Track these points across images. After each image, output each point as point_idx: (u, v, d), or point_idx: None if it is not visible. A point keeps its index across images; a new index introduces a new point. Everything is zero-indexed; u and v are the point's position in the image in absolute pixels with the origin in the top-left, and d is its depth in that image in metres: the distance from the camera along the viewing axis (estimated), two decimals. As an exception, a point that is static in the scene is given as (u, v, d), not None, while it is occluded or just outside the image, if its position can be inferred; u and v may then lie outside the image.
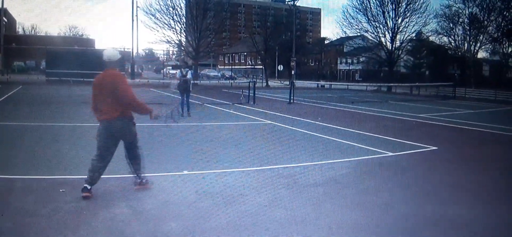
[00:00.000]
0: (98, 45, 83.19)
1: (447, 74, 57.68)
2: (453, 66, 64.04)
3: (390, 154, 11.84)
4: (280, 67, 79.30)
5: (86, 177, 7.03)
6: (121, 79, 7.44)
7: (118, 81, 7.31)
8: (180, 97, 19.74)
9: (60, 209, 6.47)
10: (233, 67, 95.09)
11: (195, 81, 21.33)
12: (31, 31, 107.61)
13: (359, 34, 64.56)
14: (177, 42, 64.24)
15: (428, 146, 13.14)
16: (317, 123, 18.44)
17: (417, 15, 57.87)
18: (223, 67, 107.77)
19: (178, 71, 21.38)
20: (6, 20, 67.86)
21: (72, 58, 46.13)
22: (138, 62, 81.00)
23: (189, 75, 20.43)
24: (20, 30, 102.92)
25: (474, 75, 57.99)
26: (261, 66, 78.48)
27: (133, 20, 63.05)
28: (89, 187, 6.94)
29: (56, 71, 44.25)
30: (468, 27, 59.30)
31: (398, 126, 19.21)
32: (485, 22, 58.95)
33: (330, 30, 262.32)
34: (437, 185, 8.96)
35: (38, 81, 45.28)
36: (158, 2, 61.39)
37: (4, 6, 59.79)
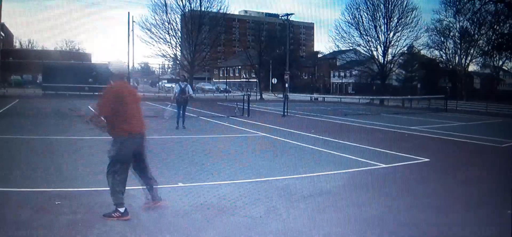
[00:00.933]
0: (94, 60, 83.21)
1: (438, 87, 58.19)
2: (445, 79, 64.56)
3: (383, 165, 11.92)
4: (274, 81, 79.44)
5: (114, 201, 6.73)
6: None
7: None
8: (176, 110, 19.95)
9: (55, 221, 6.49)
10: (227, 80, 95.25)
11: (191, 95, 21.50)
12: (28, 46, 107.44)
13: (351, 48, 65.19)
14: (172, 56, 64.72)
15: (420, 158, 13.23)
16: (310, 135, 18.54)
17: (408, 29, 58.70)
18: (218, 80, 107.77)
19: (176, 85, 21.59)
20: (3, 34, 67.87)
21: (69, 72, 46.30)
22: (134, 76, 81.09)
23: (189, 90, 20.69)
24: (17, 45, 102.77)
25: (465, 88, 58.55)
26: (255, 80, 78.67)
27: (129, 34, 63.24)
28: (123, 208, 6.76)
29: (53, 85, 44.52)
30: (459, 41, 60.03)
31: (391, 138, 19.35)
32: (476, 36, 59.72)
33: (323, 44, 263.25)
34: (429, 195, 9.06)
35: (35, 95, 45.27)
36: (154, 17, 61.82)
37: (2, 21, 59.82)
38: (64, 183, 8.72)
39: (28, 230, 6.15)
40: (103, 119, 6.93)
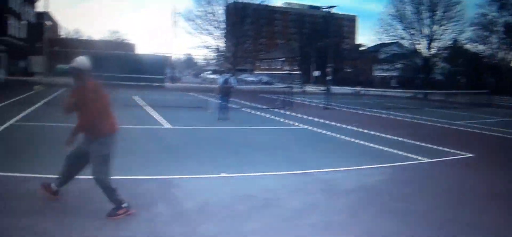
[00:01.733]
0: (138, 50, 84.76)
1: (482, 81, 57.07)
2: (489, 74, 63.34)
3: (426, 160, 11.82)
4: (316, 73, 79.38)
5: (115, 202, 6.54)
6: None
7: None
8: (220, 101, 20.17)
9: (100, 209, 6.54)
10: (270, 72, 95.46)
11: (234, 86, 21.71)
12: (74, 35, 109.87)
13: (395, 41, 64.47)
14: (215, 47, 65.22)
15: (464, 153, 13.05)
16: (352, 128, 18.47)
17: (453, 23, 57.86)
18: (260, 72, 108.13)
19: (219, 76, 21.77)
20: (50, 23, 69.40)
21: (113, 62, 47.00)
22: (177, 67, 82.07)
23: (232, 81, 20.89)
24: (63, 34, 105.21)
25: (510, 83, 57.32)
26: (297, 72, 78.73)
27: (173, 26, 64.15)
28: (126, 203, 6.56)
29: (98, 74, 45.20)
30: (503, 36, 58.73)
31: (433, 132, 19.10)
32: (520, 30, 58.45)
33: (366, 37, 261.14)
34: (473, 192, 8.88)
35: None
36: (198, 8, 62.38)
37: (48, 10, 61.26)
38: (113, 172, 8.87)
39: (74, 216, 6.32)
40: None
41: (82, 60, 7.00)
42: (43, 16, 60.90)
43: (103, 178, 6.53)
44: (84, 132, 6.72)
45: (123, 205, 6.45)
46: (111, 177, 6.62)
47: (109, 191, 6.54)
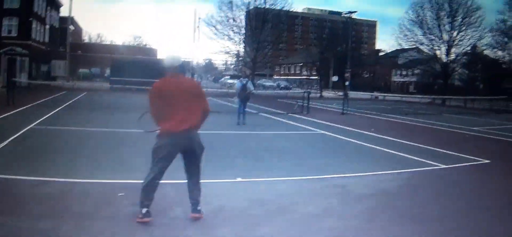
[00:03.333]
0: (160, 55, 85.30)
1: (501, 88, 56.64)
2: (508, 81, 62.79)
3: (443, 166, 11.77)
4: (335, 78, 79.22)
5: (143, 201, 6.42)
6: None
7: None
8: (237, 106, 20.33)
9: (118, 213, 6.69)
10: (288, 77, 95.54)
11: (251, 91, 21.85)
12: (97, 40, 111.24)
13: (414, 46, 64.31)
14: (235, 52, 65.67)
15: (481, 159, 12.97)
16: (369, 133, 18.47)
17: (472, 29, 57.65)
18: (278, 77, 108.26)
19: (238, 81, 21.94)
20: (73, 28, 70.20)
21: (136, 67, 47.49)
22: (198, 71, 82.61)
23: (250, 86, 21.06)
24: (86, 38, 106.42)
25: (529, 90, 56.87)
26: (316, 77, 78.69)
27: (194, 31, 64.81)
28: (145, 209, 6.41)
29: (120, 79, 45.75)
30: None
31: (451, 138, 19.02)
32: (540, 37, 57.91)
33: (385, 42, 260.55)
34: (490, 199, 8.79)
35: (102, 89, 46.71)
36: (220, 14, 62.86)
37: (71, 15, 61.94)
38: (128, 175, 8.96)
39: (91, 220, 6.34)
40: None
41: (166, 57, 6.84)
42: (67, 20, 61.51)
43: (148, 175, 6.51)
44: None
45: (142, 211, 6.36)
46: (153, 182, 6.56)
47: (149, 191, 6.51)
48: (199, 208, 6.64)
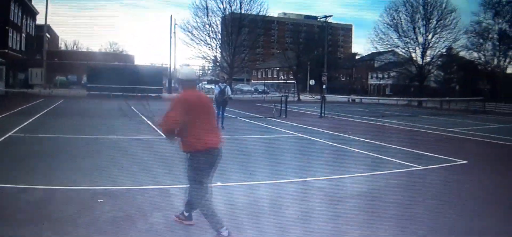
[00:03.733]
0: (137, 61, 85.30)
1: (477, 89, 57.41)
2: (483, 81, 63.66)
3: (420, 167, 11.88)
4: (312, 82, 79.55)
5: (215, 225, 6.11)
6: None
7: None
8: (216, 111, 20.27)
9: (98, 219, 6.69)
10: (265, 81, 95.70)
11: (230, 96, 21.89)
12: (73, 47, 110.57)
13: (390, 49, 64.85)
14: (212, 58, 65.70)
15: (458, 160, 13.13)
16: (347, 136, 18.59)
17: (447, 31, 58.42)
18: (256, 81, 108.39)
19: (216, 86, 21.94)
20: (49, 36, 69.85)
21: (112, 73, 47.58)
22: (175, 77, 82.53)
23: (228, 91, 21.10)
24: (62, 46, 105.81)
25: (504, 90, 57.63)
26: (293, 81, 78.94)
27: (171, 36, 64.69)
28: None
29: (97, 85, 45.81)
30: (497, 43, 59.09)
31: (428, 139, 19.18)
32: (515, 38, 58.77)
33: (361, 45, 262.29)
34: (467, 198, 8.95)
35: (79, 95, 46.45)
36: (195, 19, 62.94)
37: (47, 23, 61.67)
38: (107, 181, 8.98)
39: (72, 226, 6.34)
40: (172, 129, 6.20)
41: (182, 70, 6.64)
42: (43, 28, 61.24)
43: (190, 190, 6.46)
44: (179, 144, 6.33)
45: (222, 233, 6.04)
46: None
47: (190, 200, 6.49)
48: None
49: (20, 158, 11.69)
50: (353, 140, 17.45)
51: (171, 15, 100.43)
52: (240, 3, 63.29)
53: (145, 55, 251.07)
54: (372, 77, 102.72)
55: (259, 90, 77.69)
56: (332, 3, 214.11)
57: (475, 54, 62.15)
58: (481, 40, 60.22)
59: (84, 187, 8.53)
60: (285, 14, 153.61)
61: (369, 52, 72.68)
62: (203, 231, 6.40)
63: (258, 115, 27.99)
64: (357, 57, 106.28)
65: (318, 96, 31.83)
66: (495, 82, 60.87)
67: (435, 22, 58.61)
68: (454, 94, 58.92)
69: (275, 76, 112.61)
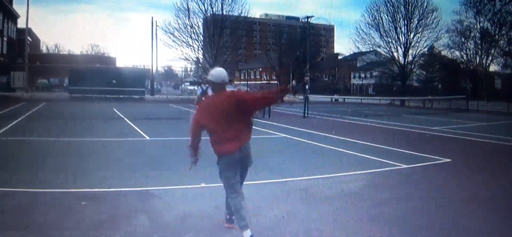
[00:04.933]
0: (119, 63, 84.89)
1: (459, 87, 57.96)
2: (466, 80, 64.33)
3: (404, 166, 11.93)
4: (294, 82, 79.89)
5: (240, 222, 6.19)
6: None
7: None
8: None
9: (82, 222, 6.65)
10: (248, 82, 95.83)
11: (212, 97, 21.81)
12: (55, 50, 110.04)
13: (372, 49, 65.13)
14: (194, 59, 65.59)
15: (442, 158, 13.19)
16: (331, 136, 18.63)
17: (429, 30, 58.65)
18: (239, 82, 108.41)
19: (199, 88, 21.88)
20: (30, 39, 69.55)
21: (94, 75, 47.55)
22: (157, 79, 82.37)
23: (210, 92, 21.04)
24: (44, 49, 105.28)
25: (486, 89, 58.29)
26: (275, 82, 79.14)
27: (152, 38, 64.52)
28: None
29: (79, 88, 45.79)
30: (479, 42, 59.82)
31: (411, 138, 19.24)
32: (497, 36, 59.54)
33: (343, 45, 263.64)
34: (451, 197, 9.00)
35: (62, 98, 46.28)
36: (177, 21, 62.73)
37: (29, 26, 61.40)
38: (90, 184, 8.90)
39: (56, 230, 6.31)
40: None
41: (212, 72, 6.61)
42: (24, 32, 60.96)
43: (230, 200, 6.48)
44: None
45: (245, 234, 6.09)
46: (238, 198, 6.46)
47: (235, 210, 6.38)
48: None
49: (2, 161, 11.58)
50: (337, 140, 17.50)
51: (152, 17, 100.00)
52: (222, 4, 63.35)
53: (127, 57, 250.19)
54: (354, 77, 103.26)
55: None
56: (313, 4, 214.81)
57: (457, 53, 63.07)
58: (463, 39, 61.09)
59: (68, 189, 8.48)
60: (266, 15, 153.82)
61: (352, 52, 73.00)
62: (185, 232, 6.42)
63: (241, 116, 27.87)
64: (339, 57, 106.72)
65: (301, 97, 31.86)
66: (477, 80, 61.53)
67: (416, 21, 58.95)
68: (437, 93, 59.38)
69: (258, 77, 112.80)
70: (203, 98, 16.55)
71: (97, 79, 46.39)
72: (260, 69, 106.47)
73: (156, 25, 67.76)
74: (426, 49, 61.38)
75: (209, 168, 10.61)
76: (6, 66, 58.20)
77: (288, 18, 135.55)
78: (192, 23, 63.10)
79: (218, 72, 6.50)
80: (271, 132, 20.10)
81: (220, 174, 6.40)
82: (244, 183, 9.48)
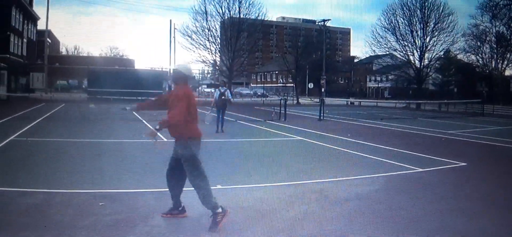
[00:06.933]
0: (137, 65, 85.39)
1: (475, 91, 57.61)
2: (481, 84, 63.90)
3: (419, 169, 11.89)
4: (311, 85, 79.77)
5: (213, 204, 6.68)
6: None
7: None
8: (216, 114, 20.41)
9: (99, 222, 6.70)
10: (265, 85, 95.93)
11: (229, 99, 22.02)
12: (74, 52, 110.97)
13: (388, 52, 64.92)
14: (212, 62, 65.84)
15: (457, 162, 13.12)
16: (346, 139, 18.60)
17: (445, 34, 58.51)
18: (255, 85, 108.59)
19: (216, 90, 22.08)
20: (50, 41, 70.19)
21: (113, 77, 47.94)
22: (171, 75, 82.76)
23: (228, 95, 21.24)
24: (63, 51, 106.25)
25: (502, 93, 57.84)
26: (292, 84, 79.10)
27: (170, 41, 64.89)
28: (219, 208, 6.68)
29: (98, 89, 46.17)
30: (495, 46, 59.36)
31: (427, 142, 19.21)
32: (512, 40, 59.04)
33: (359, 49, 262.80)
34: (467, 200, 8.94)
35: (80, 100, 46.78)
36: (195, 24, 63.10)
37: (48, 28, 62.01)
38: (108, 184, 9.04)
39: (73, 229, 6.35)
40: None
41: (184, 66, 7.24)
42: (44, 33, 61.78)
43: (197, 182, 6.77)
44: (169, 130, 6.86)
45: (218, 211, 6.62)
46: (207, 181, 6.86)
47: (204, 197, 6.73)
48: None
49: (21, 161, 11.76)
50: (352, 143, 17.47)
51: (170, 20, 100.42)
52: (239, 7, 63.56)
53: (145, 59, 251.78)
54: (370, 80, 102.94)
55: (258, 93, 77.88)
56: (330, 7, 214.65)
57: (473, 57, 62.64)
58: (478, 43, 60.60)
59: (85, 190, 8.57)
60: (283, 18, 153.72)
61: (367, 56, 72.72)
62: (201, 233, 6.49)
63: (257, 119, 27.99)
64: (355, 60, 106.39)
65: (317, 100, 31.74)
66: (493, 84, 61.11)
67: (432, 25, 58.75)
68: (452, 97, 59.03)
69: (274, 80, 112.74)
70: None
71: (115, 81, 46.78)
72: (277, 72, 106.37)
73: (175, 28, 68.23)
74: (442, 52, 61.13)
75: (225, 170, 10.73)
76: (26, 68, 58.79)
77: (305, 21, 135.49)
78: (209, 26, 63.48)
79: (186, 66, 7.35)
80: (286, 134, 20.16)
81: (194, 156, 6.84)
82: (261, 185, 9.62)
